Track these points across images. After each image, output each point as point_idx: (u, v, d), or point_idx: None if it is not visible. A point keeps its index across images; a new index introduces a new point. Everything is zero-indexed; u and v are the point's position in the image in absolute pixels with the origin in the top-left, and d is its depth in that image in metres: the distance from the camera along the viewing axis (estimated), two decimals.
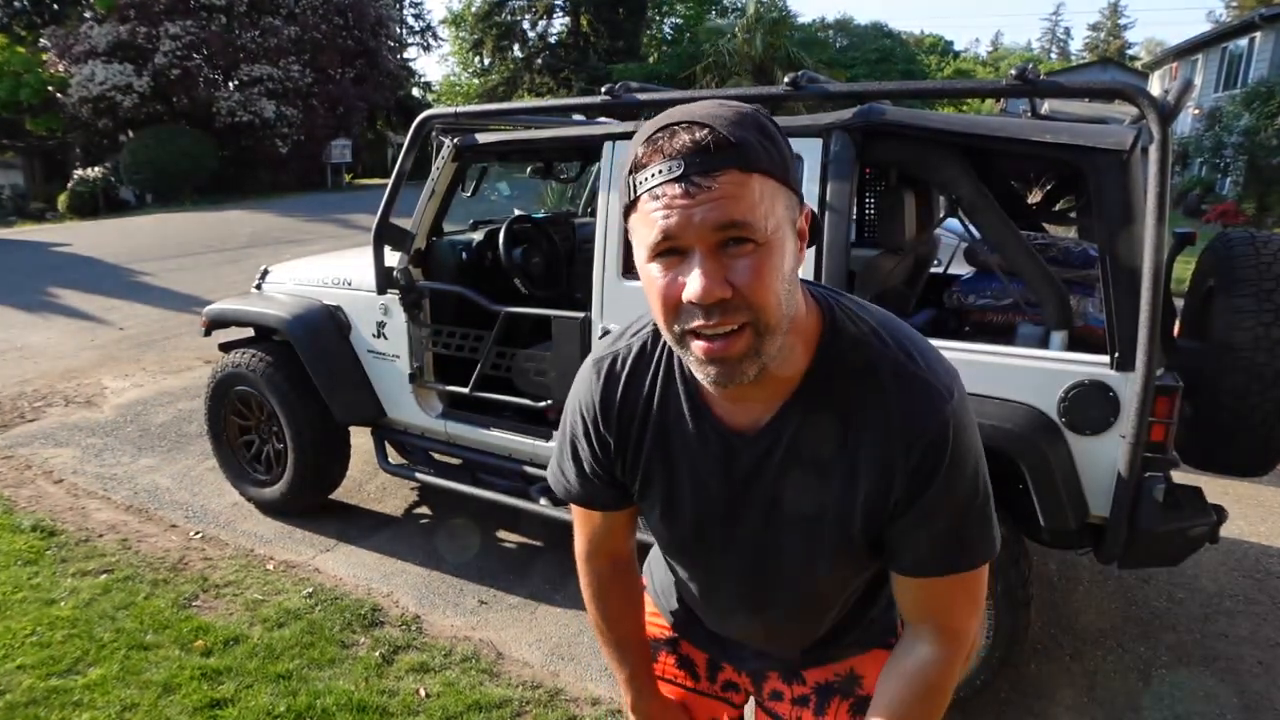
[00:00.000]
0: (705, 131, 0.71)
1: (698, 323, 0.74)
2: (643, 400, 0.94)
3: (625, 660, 1.17)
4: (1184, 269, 4.20)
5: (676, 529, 1.00)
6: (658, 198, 0.72)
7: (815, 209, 2.30)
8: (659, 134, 0.74)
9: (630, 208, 0.77)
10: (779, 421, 0.87)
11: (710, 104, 0.76)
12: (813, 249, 2.30)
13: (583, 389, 0.99)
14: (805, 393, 0.85)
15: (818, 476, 0.87)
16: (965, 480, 0.85)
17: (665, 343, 0.94)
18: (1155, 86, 20.41)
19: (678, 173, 0.71)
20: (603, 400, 0.96)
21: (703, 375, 0.79)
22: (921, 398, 0.82)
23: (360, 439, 3.64)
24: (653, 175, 0.72)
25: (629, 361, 0.95)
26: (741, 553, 0.97)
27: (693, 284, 0.72)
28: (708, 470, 0.92)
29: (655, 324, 0.95)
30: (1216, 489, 3.37)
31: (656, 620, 1.25)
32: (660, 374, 0.93)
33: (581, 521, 1.10)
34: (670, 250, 0.74)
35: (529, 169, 3.88)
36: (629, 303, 2.60)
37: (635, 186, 0.75)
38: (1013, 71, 2.08)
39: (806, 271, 2.30)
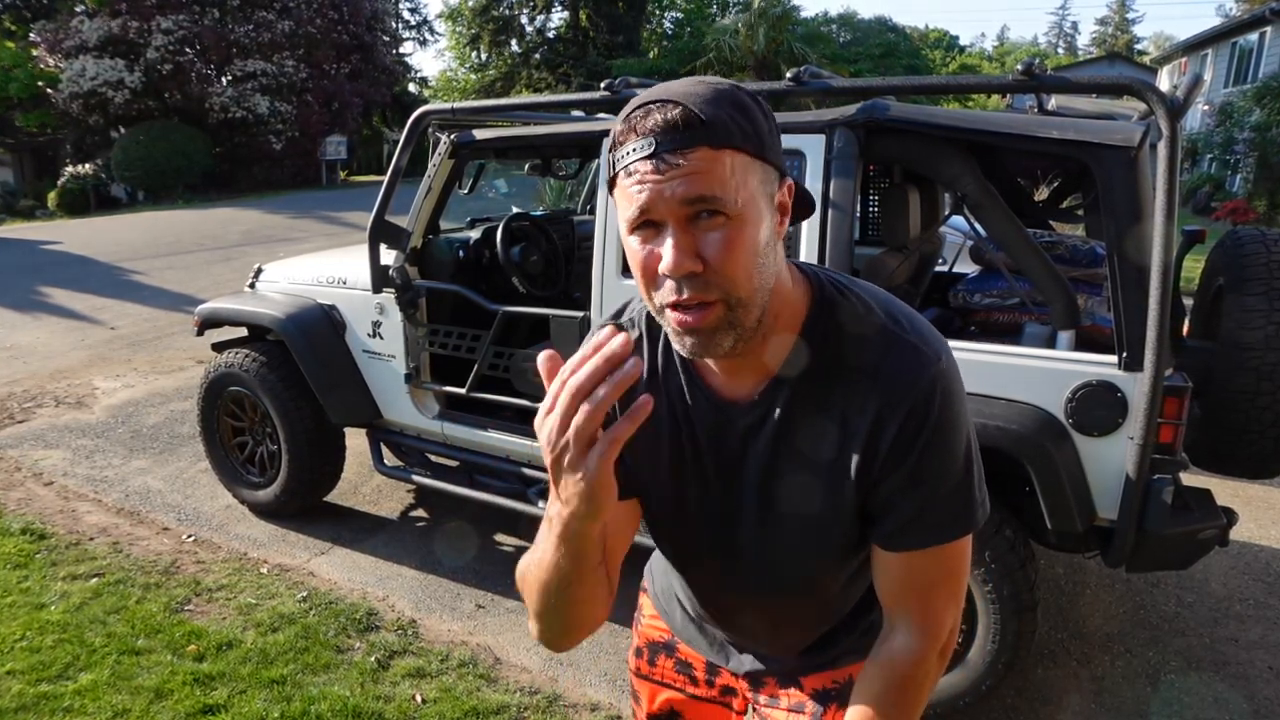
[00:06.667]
0: (677, 110, 0.74)
1: (672, 298, 0.77)
2: (645, 369, 0.95)
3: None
4: (1193, 267, 4.20)
5: (676, 511, 0.99)
6: (632, 174, 0.75)
7: (813, 195, 2.26)
8: (636, 112, 0.76)
9: (611, 183, 0.80)
10: (771, 391, 0.89)
11: (689, 81, 0.78)
12: (816, 249, 2.26)
13: None
14: (796, 362, 0.87)
15: (811, 444, 0.89)
16: (951, 448, 0.85)
17: None
18: (1164, 82, 20.44)
19: (649, 150, 0.74)
20: None
21: (679, 346, 0.82)
22: (908, 360, 0.84)
23: (356, 440, 3.60)
24: (629, 152, 0.76)
25: (639, 327, 0.97)
26: (741, 532, 0.97)
27: (665, 257, 0.75)
28: (705, 441, 0.93)
29: None
30: (1226, 491, 3.37)
31: (656, 623, 1.25)
32: (660, 345, 0.95)
33: None
34: (646, 224, 0.77)
35: (527, 166, 3.86)
36: None
37: (614, 163, 0.78)
38: (1019, 67, 2.06)
39: None
